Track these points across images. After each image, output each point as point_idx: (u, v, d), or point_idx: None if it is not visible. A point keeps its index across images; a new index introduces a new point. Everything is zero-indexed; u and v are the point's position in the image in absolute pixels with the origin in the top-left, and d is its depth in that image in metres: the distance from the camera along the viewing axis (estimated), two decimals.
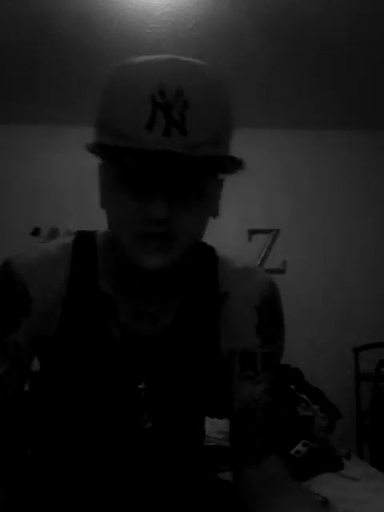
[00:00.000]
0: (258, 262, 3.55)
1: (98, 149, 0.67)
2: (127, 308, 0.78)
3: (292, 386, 2.10)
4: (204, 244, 0.85)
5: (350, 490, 1.39)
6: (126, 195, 0.67)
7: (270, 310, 0.83)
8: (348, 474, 1.54)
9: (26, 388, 0.87)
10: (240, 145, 3.39)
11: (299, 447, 1.63)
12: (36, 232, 3.25)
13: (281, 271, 3.55)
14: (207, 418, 1.67)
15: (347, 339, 3.41)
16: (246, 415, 0.78)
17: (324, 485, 1.39)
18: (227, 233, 3.47)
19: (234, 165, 0.68)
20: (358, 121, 3.55)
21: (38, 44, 2.63)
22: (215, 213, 0.78)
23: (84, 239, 0.82)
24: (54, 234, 3.26)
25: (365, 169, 3.71)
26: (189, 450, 0.86)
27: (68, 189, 3.54)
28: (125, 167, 0.65)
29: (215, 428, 1.68)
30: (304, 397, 2.03)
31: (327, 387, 2.24)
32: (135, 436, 0.79)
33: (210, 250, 0.87)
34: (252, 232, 3.57)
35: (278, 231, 3.59)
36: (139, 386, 0.78)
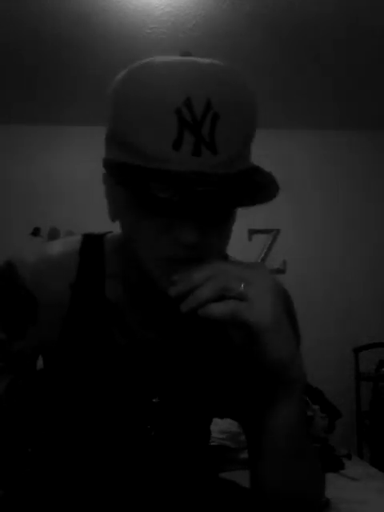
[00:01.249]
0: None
1: (117, 170, 0.59)
2: (133, 315, 0.75)
3: None
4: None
5: (350, 489, 1.39)
6: (149, 216, 0.59)
7: (288, 307, 0.78)
8: (348, 474, 1.54)
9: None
10: None
11: None
12: (36, 232, 3.26)
13: (281, 271, 3.55)
14: None
15: (347, 339, 3.41)
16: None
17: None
18: None
19: (267, 179, 0.62)
20: (358, 121, 3.55)
21: (37, 44, 2.63)
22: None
23: (92, 242, 0.78)
24: (54, 234, 3.26)
25: (365, 169, 3.71)
26: (194, 452, 0.85)
27: (68, 189, 3.54)
28: (150, 192, 0.55)
29: (217, 428, 1.68)
30: (304, 397, 2.03)
31: (327, 387, 2.24)
32: (140, 443, 0.77)
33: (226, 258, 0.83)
34: (252, 232, 3.57)
35: (278, 231, 3.59)
36: (153, 400, 0.75)
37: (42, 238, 3.24)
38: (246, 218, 3.59)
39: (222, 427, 1.71)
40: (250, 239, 3.57)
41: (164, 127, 0.55)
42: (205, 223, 0.59)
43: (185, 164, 0.55)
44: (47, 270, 0.73)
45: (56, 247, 0.77)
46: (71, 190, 3.54)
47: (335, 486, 1.40)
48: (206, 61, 0.59)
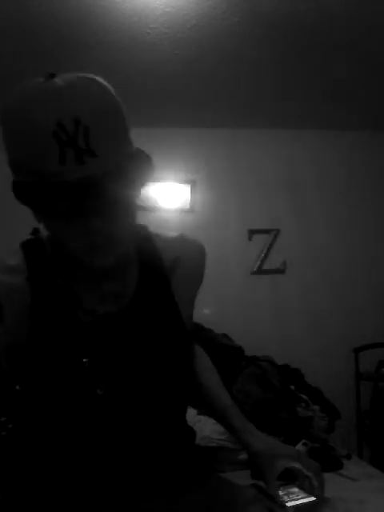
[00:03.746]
0: (258, 262, 3.55)
1: (22, 188, 0.71)
2: (90, 294, 0.87)
3: (292, 386, 2.10)
4: (137, 225, 0.93)
5: (350, 489, 1.39)
6: (61, 222, 0.73)
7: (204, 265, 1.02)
8: (348, 474, 1.54)
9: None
10: (240, 145, 3.43)
11: (299, 447, 1.63)
12: (36, 232, 3.25)
13: (281, 271, 3.55)
14: (208, 419, 1.67)
15: (347, 339, 3.41)
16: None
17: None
18: (227, 233, 3.47)
19: (144, 157, 0.76)
20: (358, 121, 3.55)
21: (37, 44, 2.63)
22: (139, 196, 0.84)
23: (32, 245, 0.90)
24: None
25: (365, 169, 3.71)
26: (155, 419, 0.91)
27: None
28: (53, 205, 0.70)
29: (216, 428, 1.68)
30: (304, 397, 2.03)
31: (327, 387, 2.24)
32: (89, 403, 0.84)
33: (143, 227, 0.98)
34: (252, 232, 3.57)
35: (278, 231, 3.59)
36: (84, 360, 0.83)
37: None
38: (246, 218, 3.60)
39: (221, 428, 1.71)
40: (250, 239, 3.57)
41: (47, 149, 0.66)
42: (102, 211, 0.72)
43: (72, 173, 0.67)
44: (4, 273, 0.85)
45: (3, 257, 0.89)
46: None
47: (335, 486, 1.40)
48: (68, 79, 0.70)
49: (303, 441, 1.67)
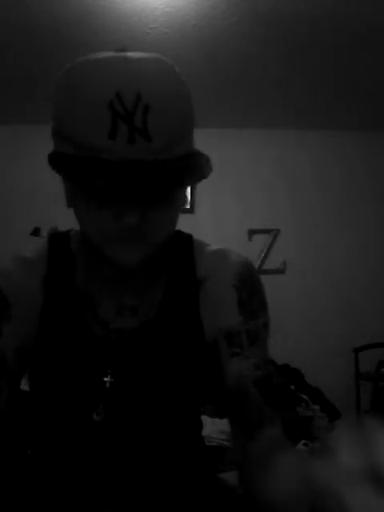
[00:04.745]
0: (258, 262, 3.55)
1: (60, 160, 0.64)
2: (107, 304, 0.79)
3: (292, 386, 2.10)
4: (181, 233, 0.86)
5: None
6: (94, 204, 0.65)
7: (248, 287, 0.83)
8: None
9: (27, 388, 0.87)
10: (240, 145, 3.44)
11: (299, 447, 1.63)
12: (36, 232, 3.25)
13: (281, 271, 3.55)
14: (207, 418, 1.67)
15: (347, 339, 3.41)
16: (239, 392, 0.77)
17: None
18: (227, 233, 3.47)
19: (202, 161, 0.67)
20: (358, 121, 3.55)
21: (37, 44, 2.63)
22: (184, 203, 0.77)
23: (58, 239, 0.83)
24: None
25: (365, 169, 3.71)
26: (169, 442, 0.84)
27: None
28: (91, 182, 0.62)
29: (216, 428, 1.68)
30: (304, 397, 2.03)
31: (327, 387, 2.25)
32: (86, 427, 0.78)
33: (186, 239, 0.87)
34: (252, 232, 3.57)
35: (278, 231, 3.59)
36: (105, 379, 0.77)
37: (42, 238, 3.24)
38: (246, 218, 3.60)
39: (221, 427, 1.71)
40: (250, 239, 3.57)
41: (99, 120, 0.60)
42: (144, 204, 0.64)
43: (120, 152, 0.60)
44: (16, 270, 0.77)
45: (24, 248, 0.82)
46: None
47: None
48: (137, 55, 0.64)
49: (303, 441, 1.68)
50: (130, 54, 0.64)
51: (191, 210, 3.53)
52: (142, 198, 0.63)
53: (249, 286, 0.83)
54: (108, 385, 0.77)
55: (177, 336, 0.79)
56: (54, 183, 3.35)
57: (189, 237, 0.88)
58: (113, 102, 0.59)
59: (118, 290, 0.79)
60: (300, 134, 3.65)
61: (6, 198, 3.60)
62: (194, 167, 0.66)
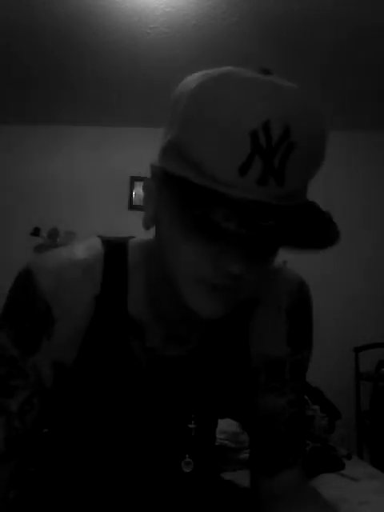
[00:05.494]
0: None
1: (175, 184, 0.55)
2: (155, 331, 0.71)
3: None
4: None
5: (350, 490, 1.39)
6: (196, 237, 0.55)
7: (300, 314, 0.77)
8: (348, 474, 1.53)
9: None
10: None
11: None
12: (36, 232, 3.25)
13: None
14: None
15: (347, 339, 3.41)
16: (269, 426, 0.74)
17: (325, 485, 1.39)
18: None
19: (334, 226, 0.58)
20: (358, 121, 3.55)
21: (37, 44, 2.63)
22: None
23: (115, 250, 0.71)
24: (53, 234, 3.26)
25: (365, 169, 3.71)
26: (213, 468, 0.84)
27: (68, 189, 3.54)
28: (211, 218, 0.50)
29: (217, 428, 1.68)
30: (304, 397, 2.03)
31: (327, 387, 2.24)
32: (177, 479, 0.73)
33: None
34: None
35: None
36: (190, 426, 0.72)
37: (42, 238, 3.24)
38: None
39: (221, 427, 1.70)
40: None
41: (235, 149, 0.51)
42: (252, 255, 0.56)
43: (248, 191, 0.51)
44: (70, 279, 0.66)
45: (79, 253, 0.69)
46: (71, 190, 3.54)
47: (335, 486, 1.40)
48: (287, 84, 0.56)
49: None
50: (276, 80, 0.56)
51: None
52: (253, 246, 0.55)
53: (301, 312, 0.78)
54: (193, 432, 0.72)
55: (224, 364, 0.74)
56: (53, 183, 3.38)
57: None
58: (257, 132, 0.50)
59: (168, 319, 0.71)
60: None
61: (5, 198, 3.60)
62: (319, 224, 0.59)
